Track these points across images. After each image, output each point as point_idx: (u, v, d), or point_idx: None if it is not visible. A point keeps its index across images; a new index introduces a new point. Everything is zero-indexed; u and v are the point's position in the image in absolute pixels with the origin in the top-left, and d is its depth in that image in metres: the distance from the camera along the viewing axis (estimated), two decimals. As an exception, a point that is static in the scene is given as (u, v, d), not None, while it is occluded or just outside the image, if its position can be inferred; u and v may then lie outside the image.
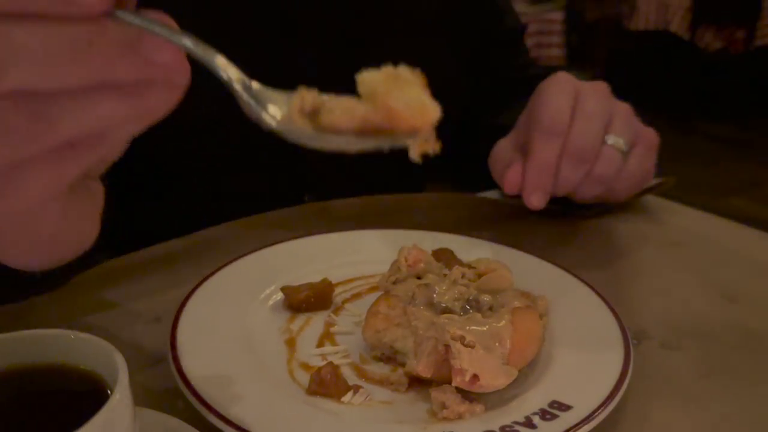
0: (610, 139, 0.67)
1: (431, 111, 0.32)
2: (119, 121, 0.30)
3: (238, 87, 0.32)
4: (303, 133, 0.32)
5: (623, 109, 0.70)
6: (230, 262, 0.64)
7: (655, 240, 0.79)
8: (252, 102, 0.32)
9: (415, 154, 0.33)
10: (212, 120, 0.76)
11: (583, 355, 0.53)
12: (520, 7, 4.09)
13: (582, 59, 4.38)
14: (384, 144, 0.32)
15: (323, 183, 0.84)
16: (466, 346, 0.47)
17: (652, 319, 0.62)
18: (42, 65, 0.27)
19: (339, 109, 0.32)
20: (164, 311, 0.59)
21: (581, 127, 0.65)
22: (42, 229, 0.36)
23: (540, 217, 0.84)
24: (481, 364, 0.47)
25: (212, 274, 0.62)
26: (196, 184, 0.81)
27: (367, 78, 0.32)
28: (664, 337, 0.59)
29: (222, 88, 0.32)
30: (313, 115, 0.33)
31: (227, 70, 0.32)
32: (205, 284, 0.60)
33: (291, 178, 0.84)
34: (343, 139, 0.32)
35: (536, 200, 0.66)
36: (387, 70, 0.32)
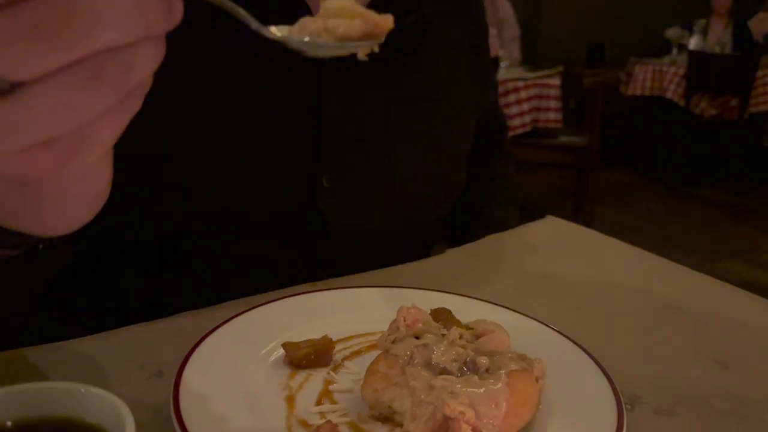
0: None
1: (390, 20, 0.43)
2: (155, 69, 0.35)
3: (261, 27, 0.40)
4: (328, 44, 0.42)
5: None
6: (233, 317, 0.65)
7: (650, 302, 0.80)
8: (277, 33, 0.41)
9: (362, 54, 0.44)
10: (227, 191, 0.78)
11: (577, 420, 0.54)
12: (520, 73, 4.20)
13: (579, 123, 4.47)
14: (369, 44, 0.43)
15: (341, 258, 0.84)
16: (466, 422, 0.48)
17: (645, 383, 0.63)
18: (119, 23, 0.31)
19: (341, 25, 0.41)
20: (166, 365, 0.60)
21: None
22: (94, 186, 0.39)
23: (536, 278, 0.86)
24: None
25: (215, 329, 0.63)
26: (208, 256, 0.80)
27: (332, 4, 0.42)
28: (658, 403, 0.60)
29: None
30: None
31: (249, 18, 0.39)
32: (208, 340, 0.61)
33: (307, 252, 0.84)
34: (351, 45, 0.42)
35: None
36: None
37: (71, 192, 0.38)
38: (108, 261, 0.80)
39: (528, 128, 3.90)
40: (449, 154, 0.94)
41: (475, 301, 0.73)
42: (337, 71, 0.80)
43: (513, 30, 4.90)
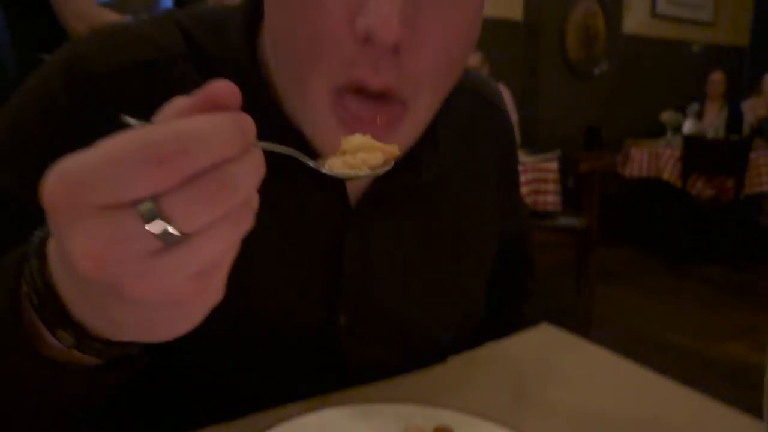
0: None
1: (396, 149, 0.53)
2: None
3: (317, 164, 0.49)
4: (365, 173, 0.51)
5: None
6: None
7: (641, 421, 0.85)
8: (324, 168, 0.50)
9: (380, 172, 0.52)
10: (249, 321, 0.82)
11: None
12: (520, 157, 4.32)
13: (577, 203, 4.57)
14: (385, 168, 0.52)
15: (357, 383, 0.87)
16: None
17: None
18: (253, 181, 0.41)
19: (372, 158, 0.51)
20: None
21: None
22: (214, 297, 0.45)
23: (531, 392, 0.91)
24: None
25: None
26: (225, 380, 0.83)
27: (351, 140, 0.52)
28: None
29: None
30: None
31: (305, 157, 0.48)
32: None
33: (324, 383, 0.86)
34: (376, 172, 0.52)
35: None
36: (364, 136, 0.53)
37: (194, 304, 0.44)
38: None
39: (527, 211, 3.99)
40: (469, 290, 0.98)
41: (473, 418, 0.79)
42: (361, 211, 0.85)
43: (512, 116, 5.05)
